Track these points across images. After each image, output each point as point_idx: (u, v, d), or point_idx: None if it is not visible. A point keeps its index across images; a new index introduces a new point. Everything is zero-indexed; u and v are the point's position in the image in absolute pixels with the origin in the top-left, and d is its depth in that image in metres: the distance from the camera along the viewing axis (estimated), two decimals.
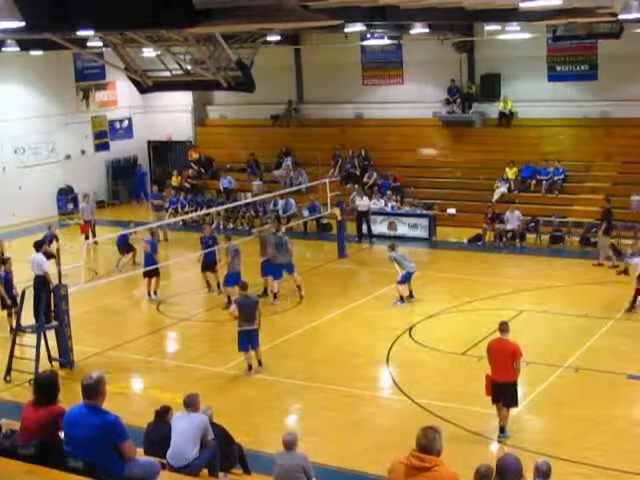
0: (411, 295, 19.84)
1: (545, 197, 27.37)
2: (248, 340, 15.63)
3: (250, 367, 15.81)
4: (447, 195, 28.80)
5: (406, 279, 19.77)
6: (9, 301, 18.29)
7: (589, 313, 18.50)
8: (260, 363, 15.94)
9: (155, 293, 20.93)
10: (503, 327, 12.82)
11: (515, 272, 23.09)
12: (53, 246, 20.20)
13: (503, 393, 12.60)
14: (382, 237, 26.61)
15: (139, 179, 35.59)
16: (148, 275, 20.76)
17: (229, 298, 19.36)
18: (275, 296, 20.10)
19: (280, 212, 28.49)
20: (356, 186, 28.43)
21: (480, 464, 7.96)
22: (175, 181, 33.03)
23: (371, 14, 16.54)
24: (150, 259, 20.57)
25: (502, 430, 12.80)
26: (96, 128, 34.79)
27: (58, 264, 16.63)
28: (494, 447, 12.80)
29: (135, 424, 10.36)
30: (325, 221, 27.97)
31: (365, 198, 26.87)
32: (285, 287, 20.59)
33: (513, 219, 25.36)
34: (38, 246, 18.28)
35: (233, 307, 16.03)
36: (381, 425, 13.61)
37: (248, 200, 28.36)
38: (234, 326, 15.77)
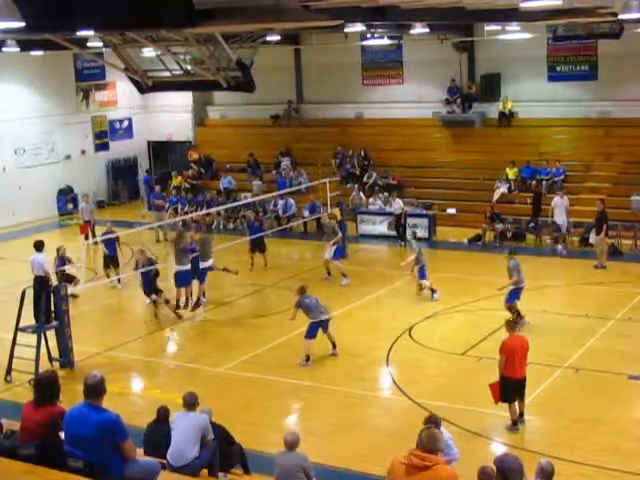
0: (432, 290, 20.00)
1: (545, 197, 27.34)
2: (318, 329, 16.23)
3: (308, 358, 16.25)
4: (447, 195, 28.81)
5: (424, 272, 19.98)
6: None
7: (589, 313, 18.50)
8: (335, 346, 16.50)
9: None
10: (514, 324, 13.40)
11: None
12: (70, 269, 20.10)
13: (522, 387, 13.08)
14: (382, 237, 26.78)
15: (146, 183, 34.23)
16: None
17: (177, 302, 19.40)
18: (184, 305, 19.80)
19: (280, 212, 28.52)
20: (394, 192, 27.96)
21: (484, 465, 7.95)
22: (175, 181, 33.01)
23: (371, 14, 16.55)
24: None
25: (521, 415, 13.21)
26: (96, 128, 34.78)
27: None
28: (494, 447, 12.81)
29: (135, 424, 10.35)
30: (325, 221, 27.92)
31: (398, 200, 26.67)
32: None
33: (560, 206, 24.65)
34: (38, 246, 18.26)
35: (295, 309, 16.36)
36: (381, 425, 13.61)
37: (248, 200, 28.35)
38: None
